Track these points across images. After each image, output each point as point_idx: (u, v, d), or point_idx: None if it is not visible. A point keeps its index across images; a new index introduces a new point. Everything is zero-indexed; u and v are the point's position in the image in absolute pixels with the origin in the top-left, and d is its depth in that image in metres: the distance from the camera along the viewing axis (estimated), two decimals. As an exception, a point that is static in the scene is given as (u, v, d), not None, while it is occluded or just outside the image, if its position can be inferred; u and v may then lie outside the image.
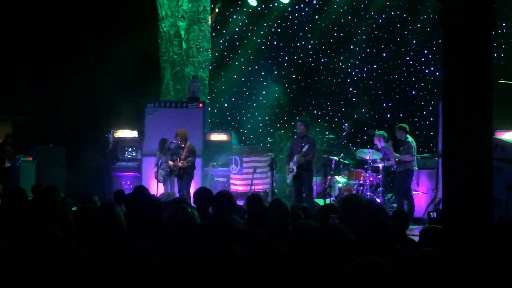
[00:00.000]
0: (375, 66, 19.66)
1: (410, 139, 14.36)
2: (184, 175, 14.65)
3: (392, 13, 19.12)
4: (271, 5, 20.64)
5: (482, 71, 3.88)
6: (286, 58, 20.92)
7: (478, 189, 3.87)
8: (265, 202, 8.95)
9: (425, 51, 18.60)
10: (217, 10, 20.52)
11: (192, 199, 9.35)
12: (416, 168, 14.28)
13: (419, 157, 14.70)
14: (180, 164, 14.58)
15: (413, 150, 14.19)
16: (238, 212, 7.88)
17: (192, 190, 14.09)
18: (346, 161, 16.36)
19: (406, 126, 14.65)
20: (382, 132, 15.59)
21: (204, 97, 19.06)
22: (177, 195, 14.01)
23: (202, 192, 8.21)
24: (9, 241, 4.66)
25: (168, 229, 5.32)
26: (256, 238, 5.12)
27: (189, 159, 14.62)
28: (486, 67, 3.90)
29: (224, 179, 16.86)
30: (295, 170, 13.99)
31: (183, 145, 14.79)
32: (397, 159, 14.46)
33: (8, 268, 4.19)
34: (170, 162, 14.80)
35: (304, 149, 13.95)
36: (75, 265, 4.20)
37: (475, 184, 3.86)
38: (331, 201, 14.35)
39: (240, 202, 10.95)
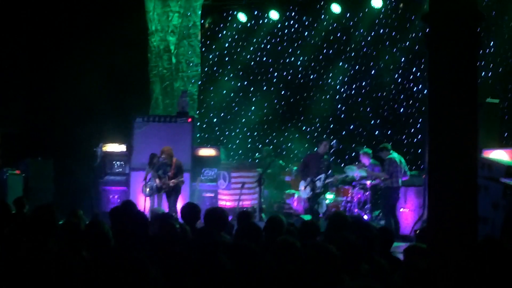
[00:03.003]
0: (363, 83, 19.73)
1: (393, 155, 14.41)
2: (173, 192, 14.70)
3: (381, 31, 19.21)
4: (261, 21, 20.73)
5: (467, 91, 3.93)
6: (275, 74, 21.00)
7: (463, 207, 3.91)
8: (252, 218, 8.96)
9: (414, 69, 18.67)
10: (207, 25, 20.61)
11: (179, 215, 9.34)
12: (399, 184, 14.31)
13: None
14: (171, 183, 14.61)
15: (394, 167, 14.24)
16: (227, 228, 7.88)
17: (179, 205, 14.09)
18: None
19: (386, 145, 14.78)
20: (366, 149, 15.66)
21: (193, 112, 19.06)
22: (166, 210, 13.98)
23: (189, 207, 8.20)
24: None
25: (156, 244, 5.33)
26: (245, 251, 5.13)
27: (181, 179, 14.69)
28: (471, 87, 3.95)
29: (212, 194, 16.83)
30: (321, 189, 14.26)
31: (170, 162, 14.81)
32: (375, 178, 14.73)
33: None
34: (157, 180, 14.78)
35: (330, 172, 14.43)
36: (69, 278, 4.21)
37: (460, 202, 3.90)
38: (319, 217, 14.38)
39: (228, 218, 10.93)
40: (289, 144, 20.35)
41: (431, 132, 4.05)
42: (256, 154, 18.89)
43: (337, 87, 20.06)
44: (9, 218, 6.53)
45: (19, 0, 19.64)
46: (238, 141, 20.85)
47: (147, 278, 4.08)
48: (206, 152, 17.44)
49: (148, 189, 15.06)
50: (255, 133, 20.82)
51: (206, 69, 20.88)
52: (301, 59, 20.58)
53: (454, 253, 3.87)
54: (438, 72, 3.96)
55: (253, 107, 21.03)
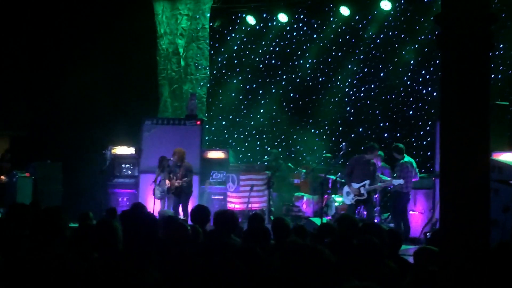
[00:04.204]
0: (372, 86, 19.67)
1: (406, 159, 14.43)
2: (182, 194, 14.72)
3: (390, 33, 19.16)
4: (269, 24, 20.72)
5: (479, 93, 3.91)
6: (284, 76, 20.95)
7: (475, 210, 3.88)
8: (263, 221, 8.95)
9: (423, 71, 18.60)
10: (216, 28, 20.59)
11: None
12: (410, 190, 14.31)
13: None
14: (176, 183, 14.65)
15: (405, 172, 14.23)
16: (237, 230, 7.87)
17: (190, 208, 14.10)
18: (343, 180, 16.33)
19: (401, 146, 14.72)
20: (379, 151, 15.64)
21: (202, 114, 19.08)
22: (174, 213, 14.01)
23: (199, 210, 8.22)
24: (10, 256, 4.66)
25: (166, 246, 5.32)
26: (254, 254, 5.12)
27: (185, 179, 14.69)
28: (483, 89, 3.93)
29: (221, 197, 16.86)
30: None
31: (179, 164, 14.85)
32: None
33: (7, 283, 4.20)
34: (167, 182, 14.87)
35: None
36: (74, 281, 4.21)
37: (472, 205, 3.88)
38: (328, 220, 14.34)
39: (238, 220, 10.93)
40: (298, 146, 20.32)
41: (443, 133, 4.03)
42: (265, 157, 18.87)
43: (346, 90, 20.00)
44: (28, 221, 6.54)
45: (30, 4, 19.70)
46: (246, 143, 20.83)
47: (146, 281, 4.07)
48: (215, 154, 17.46)
49: (158, 192, 15.10)
50: (264, 136, 20.79)
51: (214, 71, 20.87)
52: (309, 61, 20.54)
53: (466, 256, 3.85)
54: (450, 74, 3.94)
55: (262, 110, 21.00)
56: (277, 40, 20.93)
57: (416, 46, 18.49)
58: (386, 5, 17.96)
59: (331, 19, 19.87)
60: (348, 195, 14.09)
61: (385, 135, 19.04)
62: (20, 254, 4.94)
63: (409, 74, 18.91)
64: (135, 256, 4.45)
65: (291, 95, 20.98)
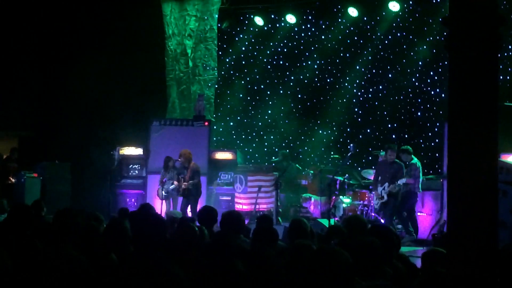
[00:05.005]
0: (380, 87, 19.62)
1: (415, 160, 14.47)
2: (190, 196, 14.76)
3: (398, 34, 19.12)
4: (277, 25, 20.70)
5: (487, 94, 3.91)
6: (292, 77, 20.92)
7: (483, 211, 3.88)
8: (271, 222, 8.95)
9: (431, 73, 18.55)
10: (223, 29, 20.60)
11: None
12: (420, 190, 14.36)
13: (424, 179, 14.72)
14: (183, 186, 14.71)
15: (418, 172, 14.28)
16: (243, 231, 7.87)
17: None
18: (351, 182, 16.34)
19: (409, 148, 14.76)
20: (381, 153, 15.63)
21: (210, 115, 19.10)
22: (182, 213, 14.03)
23: (206, 211, 8.23)
24: (16, 256, 4.68)
25: (174, 247, 5.33)
26: (261, 257, 5.12)
27: (190, 181, 14.74)
28: (491, 90, 3.93)
29: (229, 198, 16.86)
30: (385, 198, 14.05)
31: (186, 166, 14.88)
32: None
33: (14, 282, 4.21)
34: (175, 183, 14.92)
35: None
36: (85, 281, 4.22)
37: (480, 206, 3.87)
38: (335, 221, 14.33)
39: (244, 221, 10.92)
40: (306, 147, 20.31)
41: (451, 135, 4.03)
42: (273, 158, 18.86)
43: (354, 91, 19.96)
44: (30, 221, 6.57)
45: (37, 6, 19.76)
46: (254, 144, 20.82)
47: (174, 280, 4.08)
48: (223, 155, 17.48)
49: (163, 193, 15.13)
50: (272, 137, 20.76)
51: (222, 72, 20.88)
52: (317, 62, 20.50)
53: (474, 258, 3.85)
54: (458, 75, 3.94)
55: (269, 111, 20.98)
56: (285, 41, 20.91)
57: (425, 47, 18.45)
58: (394, 6, 17.94)
59: (339, 20, 19.82)
60: (376, 199, 14.32)
61: (393, 136, 18.99)
62: (26, 255, 4.96)
63: (417, 75, 18.85)
64: (143, 257, 4.46)
65: (299, 96, 20.96)
